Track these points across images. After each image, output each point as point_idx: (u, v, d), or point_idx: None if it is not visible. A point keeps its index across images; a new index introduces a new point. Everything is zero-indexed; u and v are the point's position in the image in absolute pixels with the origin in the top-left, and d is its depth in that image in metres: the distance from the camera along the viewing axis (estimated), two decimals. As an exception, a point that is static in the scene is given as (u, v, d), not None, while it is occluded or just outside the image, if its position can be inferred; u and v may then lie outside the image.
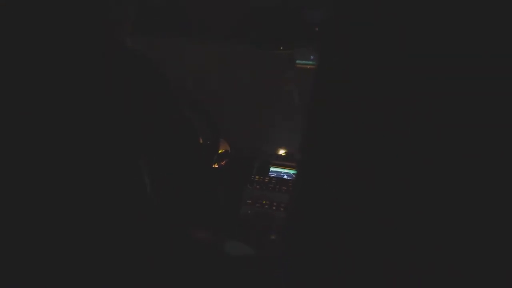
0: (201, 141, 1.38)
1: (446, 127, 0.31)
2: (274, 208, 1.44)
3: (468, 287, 0.32)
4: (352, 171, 0.35)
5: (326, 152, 0.37)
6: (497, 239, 0.31)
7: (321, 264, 0.38)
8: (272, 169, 1.63)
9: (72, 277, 0.70)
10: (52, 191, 0.71)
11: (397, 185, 0.33)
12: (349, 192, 0.35)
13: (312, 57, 1.36)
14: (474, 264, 0.32)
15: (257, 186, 1.51)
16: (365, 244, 0.35)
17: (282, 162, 1.63)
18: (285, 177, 1.58)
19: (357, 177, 0.35)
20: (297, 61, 1.42)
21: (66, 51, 0.72)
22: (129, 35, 0.89)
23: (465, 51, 0.31)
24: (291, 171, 1.59)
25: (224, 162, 1.60)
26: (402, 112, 0.33)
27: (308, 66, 1.38)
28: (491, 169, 0.31)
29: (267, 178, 1.54)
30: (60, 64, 0.71)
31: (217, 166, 1.60)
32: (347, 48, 0.35)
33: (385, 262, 0.34)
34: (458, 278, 0.32)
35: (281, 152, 1.71)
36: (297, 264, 0.40)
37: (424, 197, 0.33)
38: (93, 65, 0.73)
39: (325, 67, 0.38)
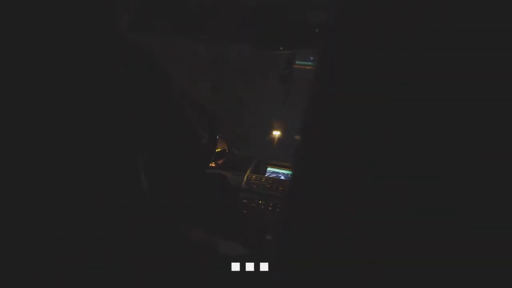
0: (199, 140, 1.38)
1: (453, 131, 0.31)
2: (270, 208, 1.44)
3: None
4: (355, 169, 0.35)
5: (328, 149, 0.37)
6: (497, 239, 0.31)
7: (315, 264, 0.37)
8: (269, 169, 1.63)
9: (69, 275, 0.69)
10: (51, 185, 0.70)
11: (399, 184, 0.33)
12: (345, 193, 0.35)
13: (312, 58, 1.35)
14: (475, 265, 0.32)
15: (254, 186, 1.50)
16: (366, 243, 0.35)
17: (279, 162, 1.63)
18: (282, 177, 1.58)
19: (360, 175, 0.35)
20: (297, 62, 1.42)
21: (68, 46, 0.72)
22: (127, 31, 0.89)
23: (471, 48, 0.30)
24: (288, 172, 1.59)
25: (221, 161, 1.60)
26: (407, 110, 0.33)
27: (308, 67, 1.38)
28: (492, 173, 0.31)
29: (264, 178, 1.54)
30: (61, 59, 0.71)
31: (214, 165, 1.60)
32: (347, 49, 0.35)
33: (381, 263, 0.34)
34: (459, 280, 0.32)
35: (279, 152, 1.71)
36: (292, 264, 0.40)
37: (424, 195, 0.32)
38: (94, 60, 0.72)
39: (323, 68, 0.38)
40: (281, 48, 1.37)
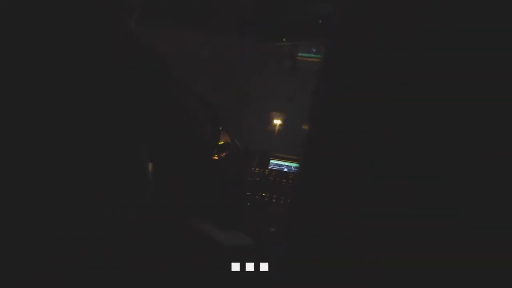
0: (202, 133, 1.38)
1: (453, 131, 0.31)
2: (273, 200, 1.44)
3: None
4: (355, 169, 0.35)
5: (329, 149, 0.37)
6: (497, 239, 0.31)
7: (315, 264, 0.38)
8: (272, 161, 1.63)
9: (69, 275, 0.70)
10: (51, 185, 0.70)
11: (399, 184, 0.33)
12: (345, 193, 0.35)
13: (314, 49, 1.35)
14: (474, 266, 0.32)
15: (257, 178, 1.51)
16: (365, 243, 0.35)
17: (282, 154, 1.63)
18: (285, 169, 1.58)
19: (360, 175, 0.35)
20: (299, 54, 1.41)
21: (70, 44, 0.71)
22: (134, 25, 0.89)
23: (471, 48, 0.30)
24: (291, 164, 1.59)
25: (224, 153, 1.60)
26: (407, 110, 0.32)
27: (310, 59, 1.37)
28: (492, 173, 0.30)
29: (267, 170, 1.54)
30: (63, 57, 0.71)
31: (217, 158, 1.60)
32: (347, 49, 0.35)
33: (384, 262, 0.34)
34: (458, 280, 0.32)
35: (282, 144, 1.71)
36: (298, 262, 0.40)
37: (424, 195, 0.32)
38: (99, 54, 0.72)
39: (330, 62, 0.38)
40: (284, 40, 1.36)
